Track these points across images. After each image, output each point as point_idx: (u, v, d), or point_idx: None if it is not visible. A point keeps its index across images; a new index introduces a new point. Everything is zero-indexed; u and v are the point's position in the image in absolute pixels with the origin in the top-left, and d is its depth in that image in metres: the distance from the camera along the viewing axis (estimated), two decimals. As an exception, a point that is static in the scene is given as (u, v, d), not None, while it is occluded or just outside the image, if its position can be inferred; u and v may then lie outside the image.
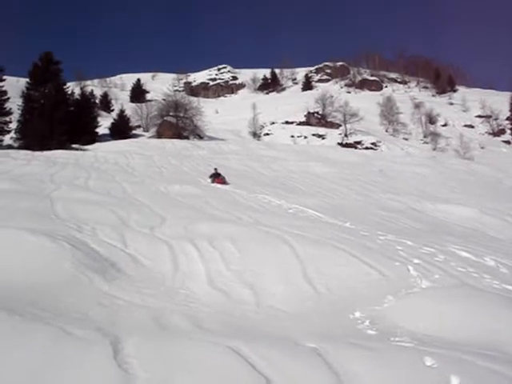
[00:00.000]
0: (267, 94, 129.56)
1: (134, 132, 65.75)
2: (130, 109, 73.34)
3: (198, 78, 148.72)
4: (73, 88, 58.52)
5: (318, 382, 3.85)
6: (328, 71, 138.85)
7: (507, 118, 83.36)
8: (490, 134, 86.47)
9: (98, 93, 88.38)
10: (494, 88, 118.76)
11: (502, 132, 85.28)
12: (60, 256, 7.61)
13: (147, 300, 6.70)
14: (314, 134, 77.07)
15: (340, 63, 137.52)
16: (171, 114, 62.59)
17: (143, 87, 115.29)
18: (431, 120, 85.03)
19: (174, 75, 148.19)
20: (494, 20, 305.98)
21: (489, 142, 77.07)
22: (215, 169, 25.25)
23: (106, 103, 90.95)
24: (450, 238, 12.35)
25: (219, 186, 22.32)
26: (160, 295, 7.03)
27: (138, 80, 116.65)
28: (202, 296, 7.22)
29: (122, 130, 61.22)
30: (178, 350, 4.34)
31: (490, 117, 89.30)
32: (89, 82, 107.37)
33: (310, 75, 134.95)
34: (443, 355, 4.35)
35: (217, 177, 23.73)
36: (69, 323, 4.98)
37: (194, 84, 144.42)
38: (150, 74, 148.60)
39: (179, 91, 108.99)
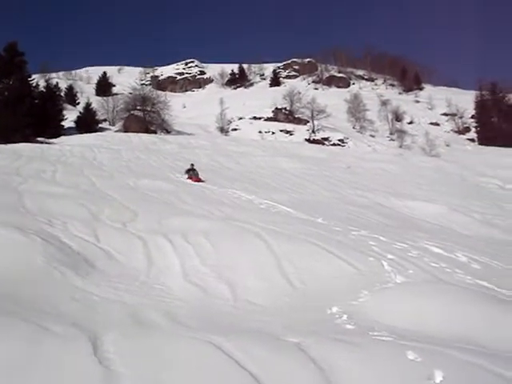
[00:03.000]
0: (235, 89, 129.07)
1: (100, 126, 64.84)
2: (96, 102, 72.26)
3: (166, 72, 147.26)
4: (37, 80, 57.25)
5: (304, 378, 3.84)
6: (296, 67, 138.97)
7: (472, 117, 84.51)
8: (455, 131, 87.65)
9: (63, 86, 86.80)
10: (459, 87, 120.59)
11: (467, 130, 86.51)
12: (31, 250, 7.47)
13: (122, 295, 6.62)
14: (281, 130, 77.17)
15: (308, 60, 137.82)
16: (138, 107, 62.05)
17: (109, 80, 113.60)
18: (398, 117, 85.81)
19: (140, 69, 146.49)
20: (459, 19, 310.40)
21: (454, 140, 78.10)
22: (191, 164, 24.13)
23: (71, 96, 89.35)
24: (420, 234, 12.50)
25: (194, 182, 21.66)
26: (135, 290, 6.96)
27: (104, 73, 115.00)
28: (177, 291, 7.17)
29: (87, 123, 60.32)
30: (158, 345, 4.30)
31: (455, 115, 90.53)
32: (54, 75, 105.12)
33: (277, 71, 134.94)
34: (425, 349, 4.39)
35: (192, 173, 22.98)
36: (45, 319, 4.89)
37: (161, 78, 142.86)
38: (116, 68, 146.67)
39: (146, 85, 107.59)
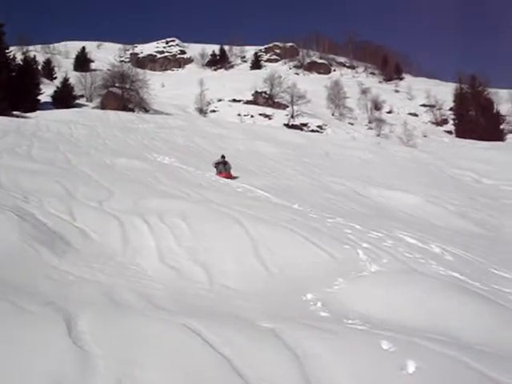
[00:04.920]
0: (215, 70, 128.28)
1: (77, 101, 64.17)
2: (73, 77, 71.33)
3: (146, 49, 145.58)
4: (15, 53, 56.39)
5: (278, 364, 3.85)
6: (277, 51, 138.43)
7: (450, 109, 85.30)
8: (433, 123, 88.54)
9: (40, 59, 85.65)
10: (439, 78, 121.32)
11: (444, 122, 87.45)
12: (7, 227, 7.38)
13: (97, 275, 6.58)
14: (260, 114, 77.29)
15: (290, 44, 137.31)
16: (117, 85, 61.57)
17: (88, 56, 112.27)
18: (377, 106, 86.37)
19: (120, 45, 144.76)
20: (441, 12, 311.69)
21: (432, 131, 78.87)
22: (222, 156, 20.11)
23: (48, 70, 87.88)
24: (396, 224, 12.60)
25: (223, 178, 18.21)
26: (110, 270, 6.92)
27: (83, 48, 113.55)
28: (152, 272, 7.15)
29: (65, 98, 59.60)
30: (132, 326, 4.28)
31: (433, 106, 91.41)
32: (32, 48, 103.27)
33: (259, 54, 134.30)
34: (398, 339, 4.43)
35: (223, 167, 19.28)
36: (19, 297, 4.84)
37: (140, 56, 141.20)
38: (95, 43, 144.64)
39: (125, 62, 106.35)
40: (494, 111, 78.66)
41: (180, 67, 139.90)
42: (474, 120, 76.42)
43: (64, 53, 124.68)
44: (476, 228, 15.43)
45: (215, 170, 19.33)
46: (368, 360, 4.00)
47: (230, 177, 18.63)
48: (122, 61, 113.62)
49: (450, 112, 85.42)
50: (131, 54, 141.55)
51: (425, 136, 70.73)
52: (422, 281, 6.85)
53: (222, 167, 19.21)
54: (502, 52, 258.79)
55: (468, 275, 7.95)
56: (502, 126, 76.99)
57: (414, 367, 3.88)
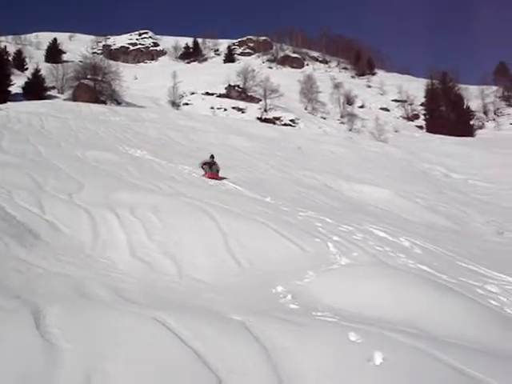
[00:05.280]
0: (188, 63, 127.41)
1: (48, 93, 63.40)
2: (45, 69, 70.34)
3: (118, 41, 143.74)
4: (-16, 43, 55.53)
5: (247, 356, 3.87)
6: (251, 45, 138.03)
7: (422, 104, 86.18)
8: (404, 118, 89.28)
9: (11, 50, 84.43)
10: (411, 74, 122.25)
11: (415, 117, 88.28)
12: (-26, 219, 7.28)
13: (67, 268, 6.52)
14: (233, 107, 77.17)
15: (263, 38, 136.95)
16: (88, 77, 61.07)
17: (60, 47, 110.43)
18: (349, 101, 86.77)
19: (92, 37, 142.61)
20: (414, 8, 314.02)
21: (403, 126, 79.42)
22: (211, 156, 18.49)
23: (19, 61, 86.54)
24: (366, 218, 12.72)
25: (208, 179, 17.05)
26: (80, 264, 6.87)
27: (55, 39, 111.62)
28: (123, 266, 7.11)
29: (36, 90, 58.88)
30: (101, 320, 4.25)
31: (405, 101, 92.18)
32: (2, 38, 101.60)
33: (232, 47, 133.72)
34: (366, 331, 4.48)
35: (209, 168, 17.82)
36: (-14, 290, 4.78)
37: (113, 47, 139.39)
38: (67, 34, 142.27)
39: (98, 54, 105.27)
40: (464, 107, 79.76)
41: (153, 59, 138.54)
42: (444, 115, 77.35)
43: (35, 44, 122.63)
44: (445, 222, 15.66)
45: (202, 170, 17.96)
46: (335, 352, 4.04)
47: (216, 177, 17.34)
48: (95, 52, 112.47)
49: (421, 107, 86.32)
50: (104, 45, 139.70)
51: (396, 131, 71.19)
52: (391, 274, 6.93)
53: (208, 168, 17.81)
54: (473, 49, 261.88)
55: (436, 268, 8.07)
56: (471, 122, 78.08)
57: (382, 359, 3.92)
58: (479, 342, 5.00)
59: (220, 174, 17.67)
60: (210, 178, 17.22)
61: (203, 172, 17.83)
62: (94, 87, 59.49)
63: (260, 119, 69.63)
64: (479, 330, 5.37)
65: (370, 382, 3.69)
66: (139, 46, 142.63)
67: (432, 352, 4.18)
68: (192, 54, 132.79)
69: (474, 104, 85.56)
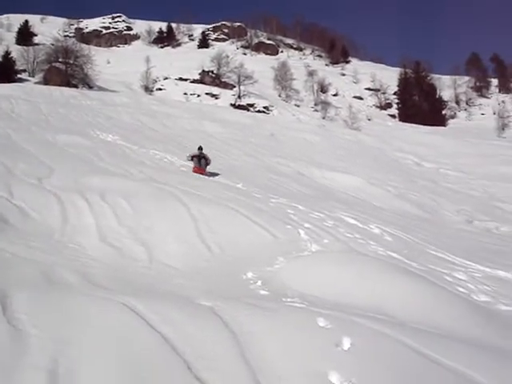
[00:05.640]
0: (162, 48, 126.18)
1: (19, 76, 62.24)
2: (16, 51, 68.94)
3: (91, 25, 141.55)
4: (-47, 24, 54.29)
5: (215, 341, 3.87)
6: (225, 31, 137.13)
7: (395, 93, 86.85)
8: (377, 106, 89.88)
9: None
10: (384, 63, 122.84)
11: (388, 106, 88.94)
12: None
13: (36, 253, 6.43)
14: (207, 93, 76.77)
15: (238, 24, 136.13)
16: (60, 60, 60.01)
17: (31, 30, 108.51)
18: (323, 89, 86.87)
19: (65, 20, 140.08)
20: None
21: (376, 115, 79.92)
22: (199, 148, 16.91)
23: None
24: (337, 205, 12.79)
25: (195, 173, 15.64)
26: (49, 249, 6.78)
27: (26, 21, 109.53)
28: (92, 251, 7.05)
29: (6, 73, 57.54)
30: (69, 305, 4.21)
31: (378, 90, 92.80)
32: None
33: (206, 33, 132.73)
34: (335, 317, 4.51)
35: (198, 162, 16.19)
36: (-50, 275, 4.70)
37: (85, 31, 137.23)
38: (39, 17, 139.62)
39: (70, 37, 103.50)
40: (437, 96, 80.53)
41: (126, 44, 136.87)
42: (417, 105, 78.05)
43: (6, 26, 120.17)
44: (415, 210, 15.82)
45: (192, 163, 16.33)
46: (304, 337, 4.06)
47: (202, 172, 15.85)
48: (67, 35, 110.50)
49: (394, 96, 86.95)
50: (76, 28, 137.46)
51: (369, 119, 71.56)
52: (361, 260, 6.98)
53: (197, 161, 16.18)
54: (446, 39, 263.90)
55: (406, 255, 8.16)
56: (443, 112, 78.92)
57: (349, 344, 3.97)
58: (446, 328, 5.07)
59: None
60: (196, 172, 15.84)
61: (193, 165, 16.27)
62: (65, 71, 58.57)
63: (234, 106, 69.38)
64: (447, 317, 5.44)
65: (337, 366, 3.71)
66: (112, 30, 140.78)
67: (400, 338, 4.23)
68: (166, 39, 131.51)
69: (446, 94, 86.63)
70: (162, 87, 77.63)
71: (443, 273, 7.70)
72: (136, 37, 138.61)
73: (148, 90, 73.13)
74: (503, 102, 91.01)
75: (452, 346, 4.41)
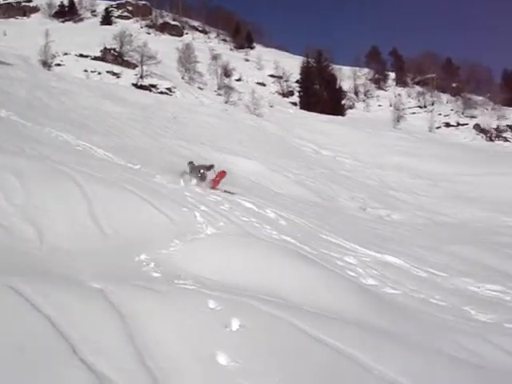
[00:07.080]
0: (63, 22, 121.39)
1: None
2: None
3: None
4: None
5: (102, 323, 3.83)
6: (129, 8, 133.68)
7: (297, 81, 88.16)
8: (279, 94, 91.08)
9: None
10: (288, 51, 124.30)
11: (290, 93, 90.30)
12: None
13: None
14: (108, 71, 74.76)
15: (143, 2, 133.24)
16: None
17: None
18: (226, 73, 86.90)
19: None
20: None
21: (278, 102, 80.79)
22: (190, 163, 13.79)
23: None
24: (235, 189, 12.87)
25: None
26: None
27: None
28: (-23, 230, 6.71)
29: None
30: None
31: (281, 78, 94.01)
32: None
33: (110, 10, 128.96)
34: (226, 299, 4.56)
35: (200, 176, 12.70)
36: None
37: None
38: None
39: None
40: (337, 87, 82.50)
41: (25, 16, 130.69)
42: (318, 93, 79.58)
43: None
44: (312, 196, 16.23)
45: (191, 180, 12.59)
46: (194, 318, 4.09)
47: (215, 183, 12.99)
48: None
49: (296, 84, 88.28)
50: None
51: (271, 106, 72.21)
52: (255, 244, 7.09)
53: (199, 176, 12.79)
54: (348, 30, 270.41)
55: (299, 239, 8.36)
56: (343, 102, 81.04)
57: (238, 325, 4.03)
58: (335, 310, 5.25)
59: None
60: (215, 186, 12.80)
61: (194, 181, 12.50)
62: (-45, 40, 55.50)
63: (136, 85, 68.03)
64: (336, 299, 5.64)
65: (225, 347, 3.76)
66: (10, 1, 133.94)
67: (289, 319, 4.34)
68: (67, 13, 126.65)
69: (346, 84, 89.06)
70: (61, 63, 74.83)
71: (334, 257, 7.97)
72: (36, 9, 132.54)
73: (46, 65, 70.29)
74: (399, 94, 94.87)
75: (337, 326, 4.59)
